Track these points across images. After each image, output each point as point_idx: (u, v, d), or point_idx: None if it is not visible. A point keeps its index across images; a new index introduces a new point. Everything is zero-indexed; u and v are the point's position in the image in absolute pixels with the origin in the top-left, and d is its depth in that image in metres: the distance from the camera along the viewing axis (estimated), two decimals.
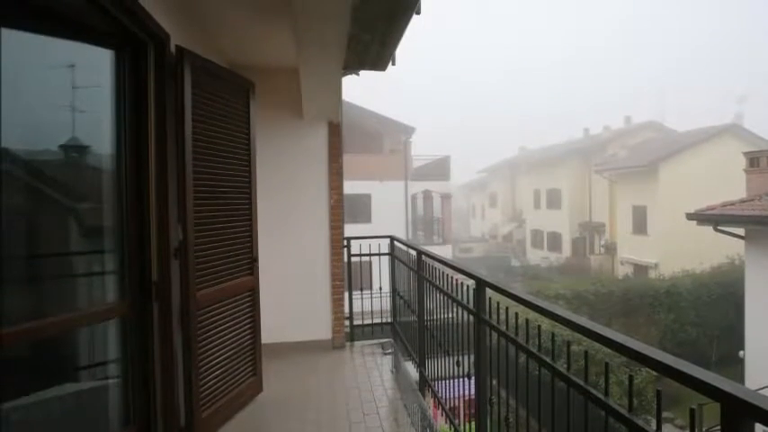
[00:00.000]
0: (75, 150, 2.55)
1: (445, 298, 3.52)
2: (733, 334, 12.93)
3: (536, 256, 31.81)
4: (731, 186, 15.63)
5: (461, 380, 3.19)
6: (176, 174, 3.14)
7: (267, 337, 4.48)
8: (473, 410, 2.95)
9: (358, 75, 5.88)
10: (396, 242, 5.71)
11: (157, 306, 2.92)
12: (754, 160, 12.83)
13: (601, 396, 1.62)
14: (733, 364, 11.62)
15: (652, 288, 15.63)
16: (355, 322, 6.04)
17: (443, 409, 3.62)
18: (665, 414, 10.61)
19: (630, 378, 1.54)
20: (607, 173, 25.93)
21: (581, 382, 1.74)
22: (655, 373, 1.40)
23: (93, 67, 2.63)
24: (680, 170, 21.57)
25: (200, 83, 3.38)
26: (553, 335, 1.96)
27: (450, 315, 3.41)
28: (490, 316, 2.69)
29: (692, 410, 1.31)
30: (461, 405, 3.34)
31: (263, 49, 4.83)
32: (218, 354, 3.60)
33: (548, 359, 1.99)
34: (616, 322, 14.50)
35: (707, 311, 14.89)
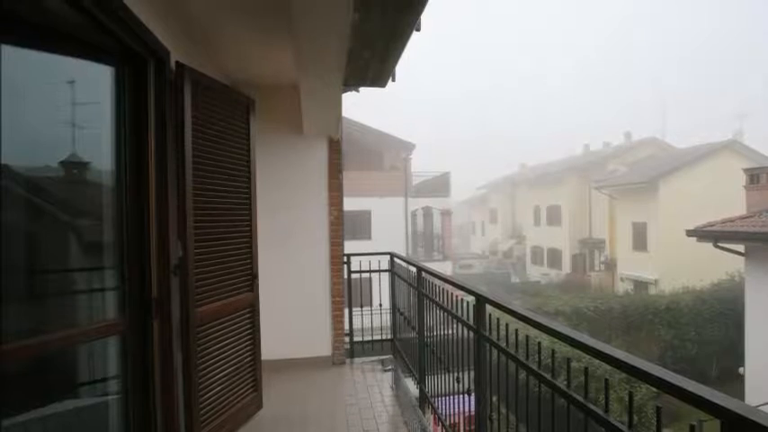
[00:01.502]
0: (75, 166, 2.56)
1: (445, 314, 3.51)
2: (733, 350, 12.91)
3: (536, 273, 31.74)
4: (731, 203, 15.64)
5: (461, 396, 3.18)
6: (176, 190, 3.15)
7: (267, 353, 4.45)
8: (473, 427, 2.93)
9: (358, 91, 5.93)
10: (396, 259, 5.71)
11: (157, 322, 2.91)
12: (753, 177, 12.92)
13: (601, 412, 1.61)
14: (733, 381, 11.57)
15: (652, 304, 15.60)
16: (355, 339, 6.01)
17: (443, 425, 3.60)
18: (664, 431, 10.51)
19: (630, 394, 1.55)
20: (607, 189, 25.96)
21: (581, 399, 1.74)
22: (655, 389, 1.40)
23: (93, 83, 2.63)
24: (680, 186, 21.60)
25: (200, 99, 3.41)
26: (553, 351, 1.96)
27: (451, 331, 3.40)
28: (490, 332, 2.69)
29: (692, 427, 1.30)
30: (461, 421, 3.31)
31: (264, 65, 4.87)
32: (218, 370, 3.59)
33: (548, 376, 1.98)
34: (616, 339, 14.45)
35: (707, 328, 14.86)
